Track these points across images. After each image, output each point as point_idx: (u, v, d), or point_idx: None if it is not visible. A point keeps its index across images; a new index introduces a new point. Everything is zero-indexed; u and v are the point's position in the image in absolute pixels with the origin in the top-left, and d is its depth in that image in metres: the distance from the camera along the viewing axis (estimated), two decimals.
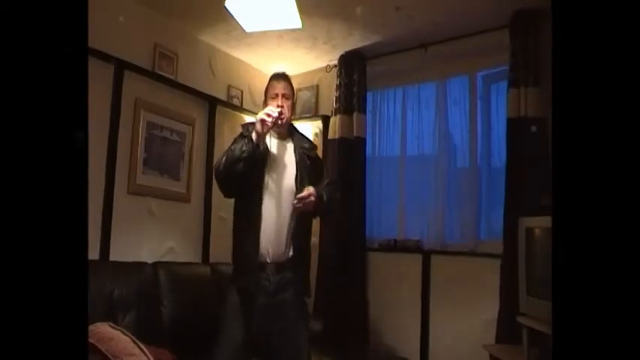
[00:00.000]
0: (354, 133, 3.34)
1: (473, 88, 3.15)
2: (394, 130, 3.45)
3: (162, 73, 2.97)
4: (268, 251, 1.88)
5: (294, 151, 2.02)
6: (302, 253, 1.96)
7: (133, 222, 2.77)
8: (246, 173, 1.84)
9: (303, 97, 3.81)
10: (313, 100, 3.76)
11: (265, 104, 2.02)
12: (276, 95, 1.99)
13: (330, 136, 3.44)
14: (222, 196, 2.00)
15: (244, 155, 1.81)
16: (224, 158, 1.87)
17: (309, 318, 2.04)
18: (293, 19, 2.43)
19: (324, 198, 1.93)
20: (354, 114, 3.36)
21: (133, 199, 2.77)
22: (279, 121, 1.89)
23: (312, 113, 3.73)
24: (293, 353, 1.90)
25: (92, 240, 2.47)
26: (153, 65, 2.93)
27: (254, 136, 1.84)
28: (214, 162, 1.95)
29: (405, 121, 3.39)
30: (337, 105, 3.41)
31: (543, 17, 2.66)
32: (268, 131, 1.89)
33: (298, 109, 3.79)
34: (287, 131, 2.06)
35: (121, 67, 2.69)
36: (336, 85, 3.44)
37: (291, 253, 1.92)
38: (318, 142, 3.67)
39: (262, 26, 2.65)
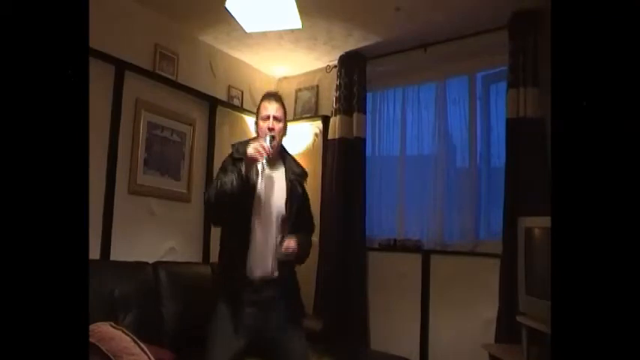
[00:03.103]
0: (354, 134, 3.35)
1: (472, 88, 3.15)
2: (394, 131, 3.45)
3: (162, 74, 2.97)
4: (257, 268, 1.89)
5: (285, 175, 2.00)
6: (288, 272, 1.98)
7: (134, 222, 2.77)
8: (236, 204, 1.85)
9: (303, 97, 3.82)
10: (313, 100, 3.76)
11: (257, 123, 2.03)
12: (268, 117, 1.96)
13: (330, 136, 3.44)
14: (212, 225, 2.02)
15: (235, 190, 1.81)
16: (214, 192, 1.85)
17: (302, 332, 2.02)
18: (293, 20, 2.43)
19: (301, 248, 1.94)
20: (354, 114, 3.36)
21: (133, 199, 2.77)
22: (269, 155, 1.85)
23: (312, 113, 3.74)
24: None
25: (93, 240, 2.48)
26: (153, 66, 2.93)
27: (243, 169, 1.83)
28: (205, 195, 1.95)
29: (404, 121, 3.39)
30: (337, 105, 3.41)
31: (542, 18, 2.66)
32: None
33: (298, 109, 3.80)
34: (278, 153, 2.04)
35: (122, 67, 2.70)
36: (336, 86, 3.44)
37: (277, 273, 1.92)
38: (318, 142, 3.68)
39: (262, 27, 2.65)
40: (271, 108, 1.98)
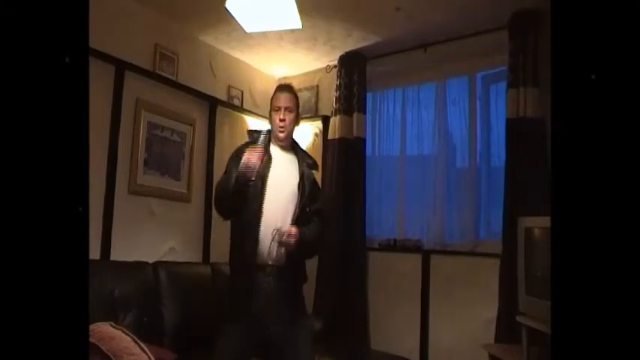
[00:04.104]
0: (354, 134, 3.35)
1: (472, 88, 3.15)
2: (394, 131, 3.45)
3: (162, 74, 2.97)
4: (270, 254, 1.89)
5: (299, 163, 2.07)
6: (298, 264, 1.99)
7: (134, 222, 2.77)
8: (238, 202, 1.91)
9: (303, 97, 3.80)
10: (313, 100, 3.77)
11: (270, 114, 2.09)
12: (279, 108, 2.04)
13: (330, 136, 3.44)
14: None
15: (233, 191, 1.87)
16: (218, 186, 1.97)
17: (310, 323, 2.03)
18: (293, 20, 2.43)
19: (305, 240, 1.92)
20: (354, 114, 3.36)
21: (133, 199, 2.77)
22: (262, 157, 1.88)
23: (312, 113, 3.74)
24: (294, 356, 1.90)
25: (93, 240, 2.48)
26: (153, 66, 2.93)
27: (239, 178, 1.86)
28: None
29: (404, 121, 3.39)
30: (337, 105, 3.42)
31: (542, 18, 2.66)
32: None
33: None
34: (290, 144, 2.11)
35: (122, 67, 2.70)
36: (336, 86, 3.44)
37: (284, 259, 1.92)
38: (318, 142, 3.68)
39: (262, 27, 2.65)
40: (283, 99, 2.06)
